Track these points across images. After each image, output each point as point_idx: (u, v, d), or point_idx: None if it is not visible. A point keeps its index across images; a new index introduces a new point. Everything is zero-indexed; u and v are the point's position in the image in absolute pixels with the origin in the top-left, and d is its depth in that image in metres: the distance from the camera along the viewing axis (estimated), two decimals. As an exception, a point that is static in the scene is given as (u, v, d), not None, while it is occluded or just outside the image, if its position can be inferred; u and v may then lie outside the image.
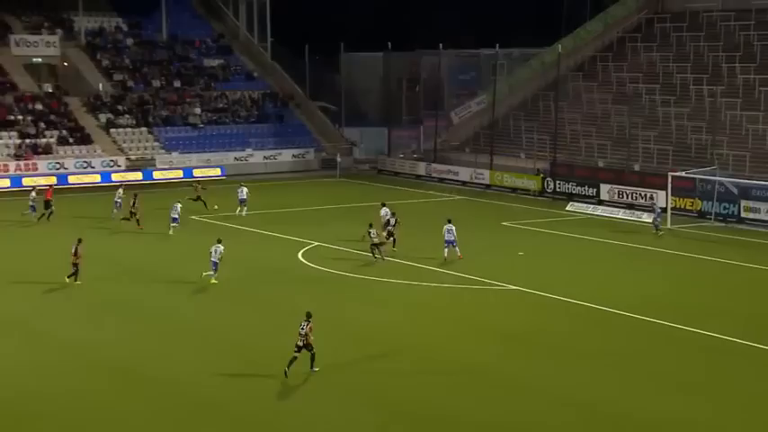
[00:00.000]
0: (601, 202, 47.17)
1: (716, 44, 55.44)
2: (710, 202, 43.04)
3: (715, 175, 43.17)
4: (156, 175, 55.97)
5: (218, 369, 22.84)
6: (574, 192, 48.91)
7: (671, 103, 52.53)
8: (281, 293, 30.33)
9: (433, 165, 57.67)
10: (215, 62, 66.18)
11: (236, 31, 69.49)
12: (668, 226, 41.14)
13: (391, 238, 35.64)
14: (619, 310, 27.81)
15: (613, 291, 30.28)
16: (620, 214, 44.57)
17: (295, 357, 22.24)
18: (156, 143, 59.33)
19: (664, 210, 41.47)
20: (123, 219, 40.42)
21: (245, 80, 65.86)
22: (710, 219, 42.60)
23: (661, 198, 43.80)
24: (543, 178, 51.06)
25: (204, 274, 30.86)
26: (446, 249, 34.19)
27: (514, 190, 51.92)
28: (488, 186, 53.47)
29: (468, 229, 39.93)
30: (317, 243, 37.61)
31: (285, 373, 21.99)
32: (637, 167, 49.35)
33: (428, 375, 22.62)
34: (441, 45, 59.77)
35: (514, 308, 28.35)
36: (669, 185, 43.09)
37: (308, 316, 22.80)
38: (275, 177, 57.09)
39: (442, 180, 56.16)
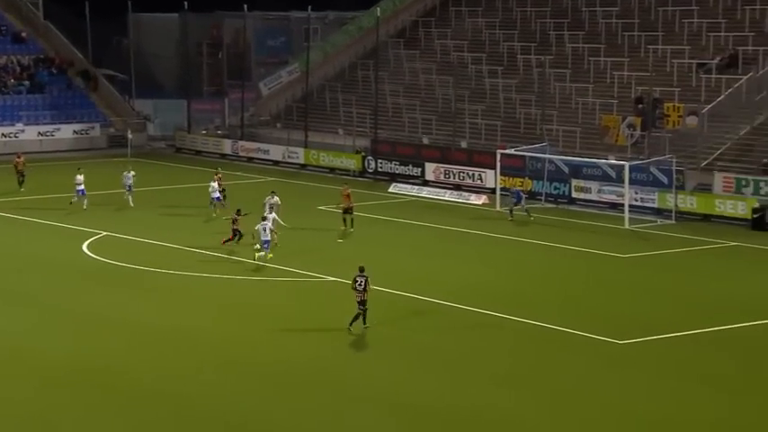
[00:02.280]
0: (426, 183, 49.53)
1: (543, 10, 58.73)
2: (541, 182, 46.10)
3: (545, 153, 46.22)
4: None
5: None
6: (397, 171, 51.00)
7: (498, 74, 55.45)
8: (63, 292, 30.46)
9: (240, 142, 58.37)
10: (-27, 21, 64.07)
11: (0, -17, 67.37)
12: (497, 208, 43.86)
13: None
14: (437, 299, 29.76)
15: (434, 279, 32.29)
16: (447, 196, 47.02)
17: (359, 313, 25.77)
18: None
19: (527, 194, 42.33)
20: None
21: (11, 43, 64.12)
22: (541, 200, 45.65)
23: (490, 178, 46.57)
24: (363, 157, 52.88)
25: (258, 254, 32.91)
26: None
27: (332, 170, 53.43)
28: (303, 166, 54.76)
29: (280, 214, 40.90)
30: (105, 233, 37.75)
31: (365, 327, 25.92)
32: (464, 144, 51.96)
33: (235, 377, 23.65)
34: (245, 6, 60.37)
35: (331, 300, 29.60)
36: (498, 164, 45.85)
37: (362, 270, 25.29)
38: (53, 157, 56.01)
39: (250, 159, 56.98)
